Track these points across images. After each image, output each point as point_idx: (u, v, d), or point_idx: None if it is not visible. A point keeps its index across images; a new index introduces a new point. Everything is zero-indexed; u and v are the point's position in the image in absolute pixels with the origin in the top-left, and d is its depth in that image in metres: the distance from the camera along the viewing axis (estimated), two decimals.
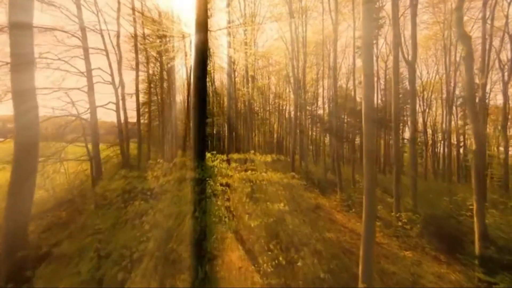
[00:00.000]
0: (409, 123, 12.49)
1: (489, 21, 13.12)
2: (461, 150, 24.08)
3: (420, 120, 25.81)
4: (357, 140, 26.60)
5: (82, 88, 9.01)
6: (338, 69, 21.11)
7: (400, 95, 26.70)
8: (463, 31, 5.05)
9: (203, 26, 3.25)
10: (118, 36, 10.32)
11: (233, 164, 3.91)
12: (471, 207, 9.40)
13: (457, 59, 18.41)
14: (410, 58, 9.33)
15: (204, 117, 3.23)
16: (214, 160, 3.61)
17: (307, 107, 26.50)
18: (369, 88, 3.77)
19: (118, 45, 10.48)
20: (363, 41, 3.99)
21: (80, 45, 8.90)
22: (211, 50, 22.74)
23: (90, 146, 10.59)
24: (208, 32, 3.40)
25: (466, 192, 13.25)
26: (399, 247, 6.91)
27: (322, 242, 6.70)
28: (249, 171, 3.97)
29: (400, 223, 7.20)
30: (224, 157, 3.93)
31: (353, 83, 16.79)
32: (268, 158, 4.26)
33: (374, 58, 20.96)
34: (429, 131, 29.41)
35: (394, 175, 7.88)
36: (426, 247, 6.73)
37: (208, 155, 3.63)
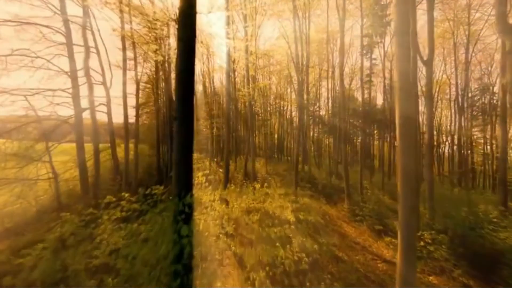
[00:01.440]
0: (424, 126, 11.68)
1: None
2: (470, 153, 23.24)
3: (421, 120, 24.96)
4: (359, 141, 25.86)
5: (67, 89, 8.19)
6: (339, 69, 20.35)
7: None
8: (508, 26, 4.27)
9: (189, 6, 2.43)
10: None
11: (232, 191, 3.06)
12: (494, 220, 8.64)
13: (468, 58, 17.61)
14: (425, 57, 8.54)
15: (189, 131, 2.37)
16: (204, 182, 2.77)
17: (309, 108, 25.72)
18: (405, 93, 2.96)
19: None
20: (397, 39, 3.17)
21: (63, 42, 8.07)
22: (210, 49, 21.76)
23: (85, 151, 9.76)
24: (198, 15, 2.59)
25: (483, 200, 12.42)
26: (421, 271, 6.09)
27: (336, 266, 5.87)
28: (252, 193, 3.13)
29: (422, 243, 6.38)
30: (219, 192, 3.05)
31: (360, 83, 15.91)
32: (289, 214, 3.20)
33: (381, 58, 20.13)
34: (434, 132, 28.57)
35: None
36: (452, 271, 5.91)
37: (198, 176, 2.79)
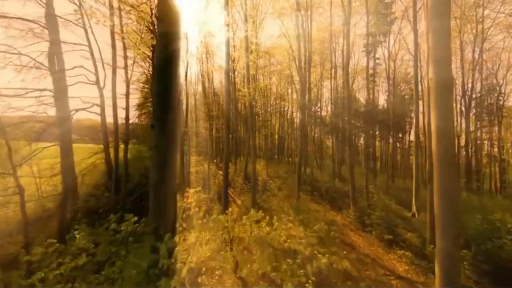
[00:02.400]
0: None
1: None
2: (475, 155, 22.66)
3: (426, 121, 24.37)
4: (360, 142, 25.30)
5: (52, 90, 7.61)
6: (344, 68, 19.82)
7: (406, 96, 25.41)
8: None
9: None
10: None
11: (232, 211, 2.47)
12: None
13: (475, 57, 17.06)
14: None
15: (171, 143, 1.78)
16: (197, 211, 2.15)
17: (311, 108, 25.18)
18: (444, 101, 2.34)
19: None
20: (433, 24, 2.60)
21: (49, 39, 7.50)
22: (209, 48, 21.14)
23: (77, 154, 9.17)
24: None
25: (493, 205, 11.83)
26: None
27: (344, 284, 5.30)
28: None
29: None
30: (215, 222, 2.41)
31: (366, 83, 15.37)
32: None
33: (384, 58, 19.61)
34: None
35: (430, 194, 6.48)
36: None
37: (189, 194, 2.18)
